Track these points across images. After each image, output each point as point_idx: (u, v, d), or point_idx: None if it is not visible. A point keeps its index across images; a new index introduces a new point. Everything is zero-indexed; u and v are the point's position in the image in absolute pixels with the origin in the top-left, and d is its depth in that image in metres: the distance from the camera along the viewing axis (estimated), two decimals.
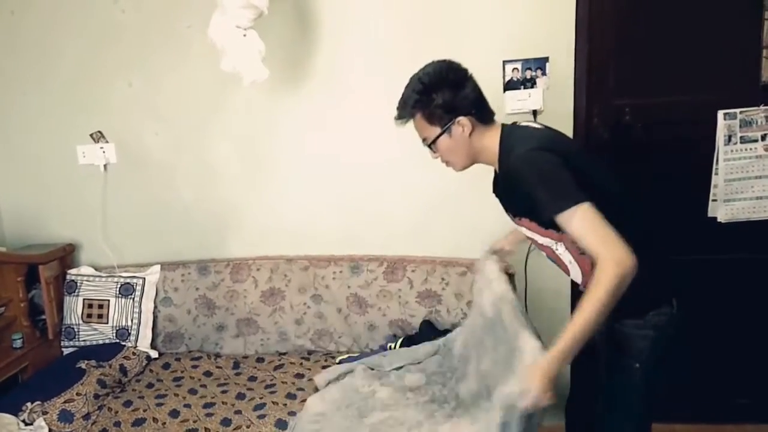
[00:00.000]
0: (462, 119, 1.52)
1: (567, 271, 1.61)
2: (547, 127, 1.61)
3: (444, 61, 1.57)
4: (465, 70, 1.56)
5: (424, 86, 1.53)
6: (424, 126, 1.57)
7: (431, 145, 1.59)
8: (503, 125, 1.59)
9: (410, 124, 1.61)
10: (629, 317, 1.50)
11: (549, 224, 1.48)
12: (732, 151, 2.22)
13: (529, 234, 1.62)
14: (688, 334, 2.31)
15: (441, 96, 1.52)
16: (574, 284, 1.71)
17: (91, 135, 2.64)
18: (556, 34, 2.29)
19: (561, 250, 1.55)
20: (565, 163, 1.39)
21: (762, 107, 2.17)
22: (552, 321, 1.97)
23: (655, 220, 2.03)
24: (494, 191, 1.72)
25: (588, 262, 1.45)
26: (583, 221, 1.34)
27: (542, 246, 1.61)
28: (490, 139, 1.57)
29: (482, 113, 1.56)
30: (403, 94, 1.58)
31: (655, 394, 1.56)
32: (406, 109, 1.57)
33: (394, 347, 2.29)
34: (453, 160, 1.62)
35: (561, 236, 1.50)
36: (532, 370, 1.32)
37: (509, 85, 2.34)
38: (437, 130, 1.55)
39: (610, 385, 1.60)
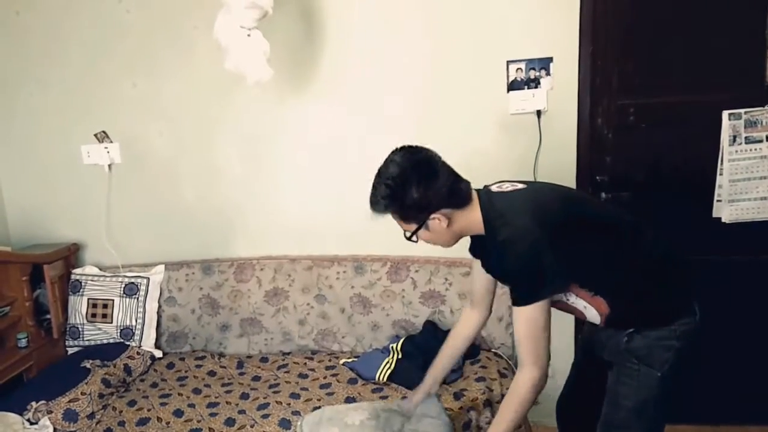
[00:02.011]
0: (436, 215, 1.46)
1: (583, 317, 1.58)
2: (526, 189, 1.54)
3: (406, 151, 1.51)
4: (433, 161, 1.49)
5: (391, 190, 1.45)
6: (401, 222, 1.52)
7: (411, 238, 1.54)
8: (479, 195, 1.53)
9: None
10: (653, 329, 1.49)
11: None
12: (737, 151, 2.21)
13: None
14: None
15: (411, 195, 1.44)
16: None
17: (96, 135, 2.65)
18: (560, 34, 2.29)
19: (573, 299, 1.53)
20: (555, 247, 1.37)
21: (767, 108, 2.17)
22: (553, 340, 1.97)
23: (666, 227, 2.03)
24: (472, 252, 1.70)
25: (602, 302, 1.48)
26: (526, 315, 1.40)
27: (554, 303, 1.53)
28: (472, 216, 1.50)
29: (457, 200, 1.48)
30: (372, 193, 1.50)
31: (670, 401, 1.55)
32: (378, 208, 1.49)
33: (396, 347, 2.30)
34: (438, 243, 1.56)
35: (570, 288, 1.50)
36: None
37: (513, 86, 2.34)
38: (414, 225, 1.49)
39: (623, 393, 1.56)
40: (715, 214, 2.28)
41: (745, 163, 2.21)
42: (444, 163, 1.50)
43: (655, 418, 1.56)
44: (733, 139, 2.21)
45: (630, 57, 2.28)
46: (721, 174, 2.24)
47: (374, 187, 1.50)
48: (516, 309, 1.42)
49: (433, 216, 1.46)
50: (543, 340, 1.42)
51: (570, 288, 1.49)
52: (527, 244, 1.38)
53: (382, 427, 1.74)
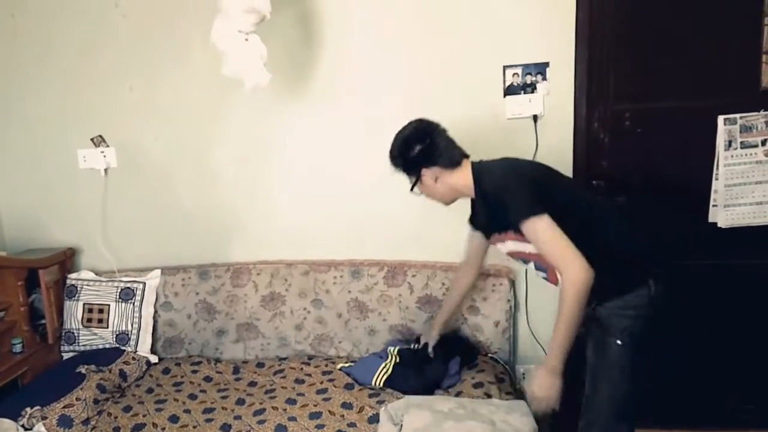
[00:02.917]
0: (425, 171, 1.84)
1: (555, 279, 1.73)
2: (509, 158, 1.88)
3: (416, 121, 1.91)
4: (431, 126, 1.88)
5: (398, 149, 1.88)
6: (406, 176, 1.91)
7: (413, 190, 1.91)
8: (473, 163, 1.86)
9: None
10: (610, 300, 1.69)
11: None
12: (732, 156, 2.22)
13: (518, 247, 1.79)
14: (689, 337, 2.34)
15: (411, 153, 1.85)
16: None
17: (92, 139, 2.65)
18: (556, 39, 2.30)
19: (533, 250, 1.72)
20: (528, 183, 1.67)
21: (762, 112, 2.18)
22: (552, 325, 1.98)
23: (662, 232, 2.07)
24: (471, 222, 2.05)
25: None
26: (543, 233, 1.60)
27: (531, 255, 1.77)
28: (462, 177, 1.84)
29: (446, 161, 1.84)
30: (390, 151, 1.91)
31: (638, 373, 1.69)
32: (392, 163, 1.92)
33: (393, 352, 2.29)
34: (435, 198, 1.93)
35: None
36: (536, 375, 1.69)
37: (509, 90, 2.35)
38: (412, 179, 1.89)
39: (595, 364, 1.75)
40: (710, 219, 2.28)
41: (741, 168, 2.22)
42: (443, 133, 1.87)
43: (624, 390, 1.71)
44: (729, 144, 2.22)
45: (626, 62, 2.29)
46: (716, 179, 2.25)
47: (390, 146, 1.91)
48: (528, 230, 1.61)
49: (423, 171, 1.84)
50: (564, 242, 1.57)
51: None
52: (512, 176, 1.72)
53: (470, 416, 1.82)
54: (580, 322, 1.60)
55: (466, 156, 1.88)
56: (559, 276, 1.64)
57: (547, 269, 1.79)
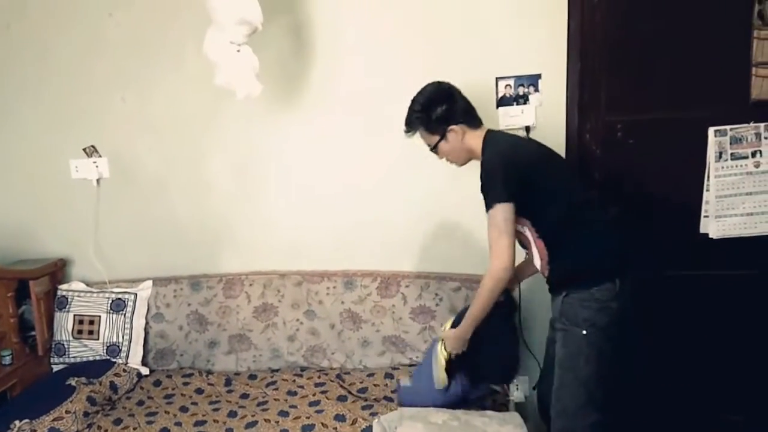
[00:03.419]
0: (454, 127, 1.89)
1: (533, 258, 1.89)
2: (519, 136, 2.02)
3: (435, 82, 1.96)
4: (453, 88, 1.94)
5: (422, 106, 1.92)
6: (426, 136, 1.96)
7: (434, 149, 1.95)
8: (488, 130, 1.93)
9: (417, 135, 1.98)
10: (576, 291, 1.78)
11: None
12: (723, 167, 2.24)
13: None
14: (677, 347, 2.35)
15: (435, 112, 1.90)
16: None
17: (84, 149, 2.64)
18: (548, 51, 2.31)
19: (526, 232, 1.86)
20: (513, 169, 1.76)
21: (752, 124, 2.19)
22: (544, 335, 1.98)
23: (654, 243, 2.09)
24: None
25: (542, 246, 1.83)
26: (495, 219, 1.73)
27: (517, 232, 1.85)
28: (477, 141, 1.90)
29: (470, 120, 1.92)
30: (407, 113, 1.96)
31: (605, 361, 1.76)
32: (411, 125, 1.96)
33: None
34: (453, 158, 1.97)
35: (522, 220, 1.82)
36: (448, 336, 1.99)
37: (502, 102, 2.36)
38: (436, 137, 1.92)
39: (561, 355, 1.83)
40: (702, 230, 2.29)
41: (731, 179, 2.24)
42: (462, 94, 1.93)
43: (590, 379, 1.76)
44: (719, 156, 2.23)
45: (617, 74, 2.31)
46: (707, 190, 2.26)
47: (409, 109, 1.96)
48: (489, 214, 1.75)
49: (451, 128, 1.88)
50: (506, 236, 1.73)
51: (524, 222, 1.82)
52: (498, 158, 1.80)
53: (464, 428, 1.83)
54: (491, 305, 1.83)
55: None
56: (537, 251, 1.84)
57: (527, 247, 1.92)
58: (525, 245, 1.93)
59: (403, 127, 1.98)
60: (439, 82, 1.96)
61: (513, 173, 1.76)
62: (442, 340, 2.02)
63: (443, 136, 1.91)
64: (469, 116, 1.92)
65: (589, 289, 1.76)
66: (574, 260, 1.79)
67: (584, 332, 1.75)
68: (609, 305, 1.74)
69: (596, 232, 1.82)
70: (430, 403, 2.00)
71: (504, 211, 1.73)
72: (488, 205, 1.75)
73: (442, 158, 2.00)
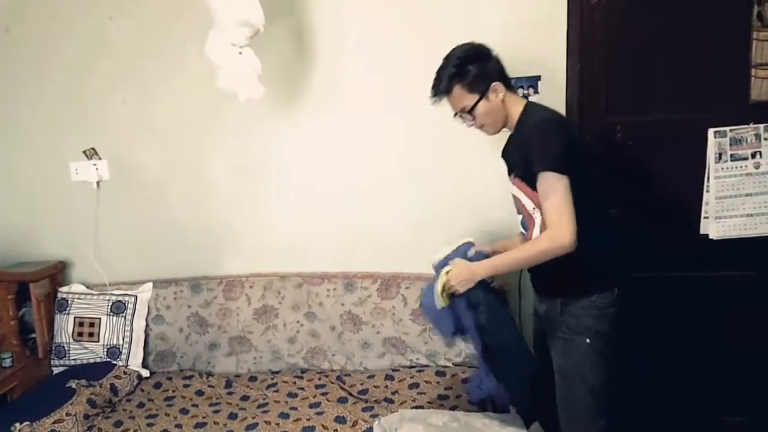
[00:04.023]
0: (496, 84, 1.74)
1: (530, 238, 1.78)
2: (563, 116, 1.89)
3: (469, 42, 1.81)
4: (486, 48, 1.79)
5: (456, 67, 1.75)
6: (463, 95, 1.77)
7: (471, 111, 1.78)
8: (528, 101, 1.82)
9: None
10: (576, 299, 1.73)
11: (535, 187, 1.67)
12: (723, 168, 2.24)
13: (518, 194, 1.80)
14: (678, 348, 2.35)
15: (475, 67, 1.74)
16: None
17: (84, 152, 2.64)
18: (547, 52, 2.32)
19: (537, 215, 1.73)
20: (566, 142, 1.63)
21: (751, 125, 2.20)
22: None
23: (654, 244, 2.09)
24: (503, 154, 1.95)
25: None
26: (556, 189, 1.60)
27: (523, 209, 1.79)
28: (515, 107, 1.78)
29: (508, 81, 1.80)
30: (439, 73, 1.79)
31: (608, 368, 1.73)
32: (443, 84, 1.77)
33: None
34: (489, 122, 1.80)
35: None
36: (461, 262, 1.79)
37: None
38: (475, 97, 1.75)
39: (563, 364, 1.78)
40: (702, 231, 2.30)
41: (731, 180, 2.24)
42: (499, 57, 1.79)
43: (598, 385, 1.73)
44: (719, 157, 2.23)
45: (617, 76, 2.31)
46: (707, 191, 2.26)
47: (439, 71, 1.79)
48: (542, 180, 1.62)
49: (493, 85, 1.74)
50: (570, 208, 1.60)
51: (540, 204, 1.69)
52: (556, 126, 1.67)
53: (464, 430, 1.82)
54: (530, 265, 1.74)
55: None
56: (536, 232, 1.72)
57: (527, 228, 1.80)
58: (527, 226, 1.80)
59: (430, 92, 1.82)
60: (467, 43, 1.81)
61: (568, 142, 1.63)
62: (447, 271, 1.79)
63: (483, 95, 1.75)
64: (506, 77, 1.80)
65: (590, 296, 1.72)
66: (577, 260, 1.64)
67: (588, 341, 1.72)
68: (608, 311, 1.72)
69: (601, 234, 1.75)
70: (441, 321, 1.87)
71: (563, 181, 1.60)
72: (542, 172, 1.61)
73: (472, 125, 1.83)
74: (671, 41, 2.26)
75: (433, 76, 1.80)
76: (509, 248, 1.98)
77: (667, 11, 2.24)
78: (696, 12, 2.21)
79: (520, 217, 1.84)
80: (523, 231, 1.85)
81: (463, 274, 1.74)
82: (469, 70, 1.74)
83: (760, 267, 2.31)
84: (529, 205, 1.75)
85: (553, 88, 2.33)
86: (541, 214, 1.67)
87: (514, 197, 1.84)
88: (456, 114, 1.85)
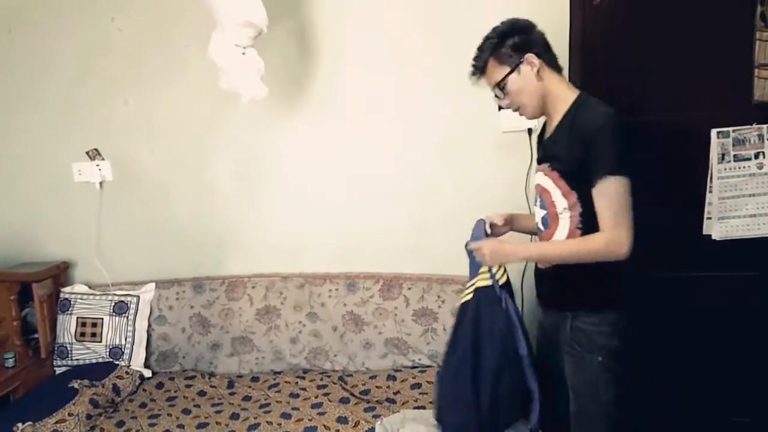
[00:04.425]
0: (530, 56, 1.60)
1: (548, 236, 1.70)
2: None
3: (509, 20, 1.70)
4: (530, 23, 1.68)
5: (497, 35, 1.65)
6: (495, 69, 1.66)
7: (502, 87, 1.66)
8: (582, 91, 1.68)
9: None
10: (587, 315, 1.66)
11: (575, 186, 1.60)
12: (726, 169, 2.23)
13: (549, 186, 1.68)
14: (681, 349, 2.34)
15: (512, 39, 1.63)
16: None
17: (87, 152, 2.64)
18: None
19: (566, 216, 1.64)
20: (624, 144, 1.55)
21: (755, 126, 2.19)
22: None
23: (657, 244, 2.09)
24: (539, 140, 1.84)
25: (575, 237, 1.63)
26: (619, 195, 1.52)
27: (551, 205, 1.67)
28: (562, 89, 1.66)
29: (550, 57, 1.66)
30: (475, 56, 1.70)
31: (624, 390, 1.68)
32: (480, 58, 1.67)
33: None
34: (523, 101, 1.67)
35: (575, 204, 1.61)
36: (496, 242, 1.74)
37: None
38: (506, 69, 1.63)
39: (576, 381, 1.72)
40: (705, 232, 2.29)
41: (734, 181, 2.23)
42: (543, 33, 1.68)
43: (611, 402, 1.68)
44: (722, 157, 2.23)
45: (619, 76, 2.30)
46: (710, 191, 2.26)
47: (478, 48, 1.70)
48: (604, 185, 1.53)
49: (527, 56, 1.60)
50: (630, 214, 1.53)
51: (575, 203, 1.61)
52: (618, 127, 1.55)
53: None
54: (575, 261, 1.61)
55: None
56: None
57: (548, 226, 1.70)
58: (547, 224, 1.70)
59: (470, 69, 1.71)
60: (510, 19, 1.70)
61: (628, 145, 1.54)
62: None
63: (515, 68, 1.62)
64: (551, 54, 1.66)
65: (601, 313, 1.65)
66: (597, 274, 1.60)
67: (600, 359, 1.65)
68: (619, 327, 1.66)
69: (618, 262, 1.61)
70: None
71: (626, 184, 1.53)
72: (605, 177, 1.52)
73: (508, 105, 1.72)
74: (674, 41, 2.25)
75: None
76: (522, 222, 1.97)
77: (670, 11, 2.23)
78: (699, 12, 2.20)
79: (542, 213, 1.73)
80: (541, 227, 1.76)
81: (500, 255, 1.70)
82: (505, 43, 1.64)
83: (762, 268, 2.30)
84: (560, 204, 1.65)
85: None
86: (580, 216, 1.60)
87: (542, 189, 1.71)
88: (493, 94, 1.73)
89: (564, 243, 1.64)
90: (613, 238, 1.52)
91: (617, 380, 1.67)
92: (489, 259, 1.70)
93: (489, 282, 1.77)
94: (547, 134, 1.74)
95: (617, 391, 1.68)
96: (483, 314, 1.78)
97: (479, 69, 1.70)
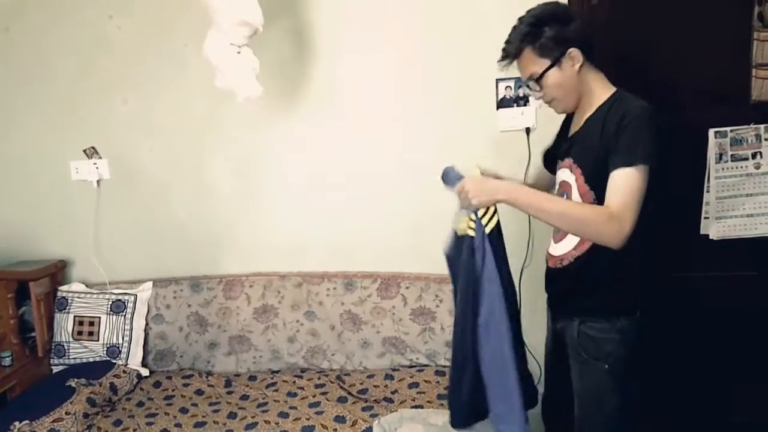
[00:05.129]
0: (573, 51, 1.51)
1: (562, 236, 1.64)
2: None
3: (545, 4, 1.58)
4: (568, 10, 1.58)
5: (535, 19, 1.52)
6: (533, 60, 1.54)
7: (539, 80, 1.56)
8: (619, 88, 1.60)
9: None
10: (597, 320, 1.60)
11: (595, 186, 1.51)
12: (723, 169, 2.24)
13: (570, 180, 1.60)
14: (680, 349, 2.35)
15: (551, 29, 1.51)
16: None
17: (85, 151, 2.64)
18: None
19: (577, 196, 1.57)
20: (658, 138, 1.46)
21: (752, 126, 2.19)
22: (543, 336, 1.97)
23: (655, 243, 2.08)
24: (562, 133, 1.77)
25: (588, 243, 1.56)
26: (635, 182, 1.41)
27: (571, 192, 1.59)
28: (598, 85, 1.58)
29: (590, 50, 1.55)
30: (510, 34, 1.57)
31: (630, 398, 1.63)
32: (513, 45, 1.55)
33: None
34: (559, 96, 1.58)
35: (593, 202, 1.52)
36: (478, 177, 1.59)
37: (502, 103, 2.36)
38: (546, 62, 1.53)
39: (582, 388, 1.67)
40: (702, 231, 2.29)
41: (732, 181, 2.24)
42: (584, 23, 1.57)
43: (618, 415, 1.63)
44: (720, 157, 2.23)
45: (617, 76, 2.29)
46: (708, 191, 2.26)
47: (511, 32, 1.56)
48: (620, 175, 1.42)
49: (570, 51, 1.50)
50: (637, 206, 1.42)
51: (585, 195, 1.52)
52: (655, 122, 1.46)
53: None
54: (573, 231, 1.53)
55: None
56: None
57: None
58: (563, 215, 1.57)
59: (500, 54, 1.59)
60: (546, 2, 1.58)
61: (658, 145, 1.45)
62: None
63: (557, 61, 1.52)
64: (592, 49, 1.55)
65: (609, 319, 1.59)
66: (611, 278, 1.54)
67: (606, 366, 1.59)
68: (629, 335, 1.59)
69: (637, 250, 1.52)
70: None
71: (645, 175, 1.42)
72: (622, 167, 1.42)
73: (540, 97, 1.62)
74: (672, 41, 2.25)
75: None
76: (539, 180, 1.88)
77: (668, 11, 2.23)
78: (697, 12, 2.21)
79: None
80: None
81: (481, 191, 1.53)
82: (543, 31, 1.51)
83: (759, 267, 2.31)
84: (577, 197, 1.57)
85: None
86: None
87: (567, 186, 1.63)
88: (524, 84, 1.63)
89: (563, 201, 1.55)
90: (617, 217, 1.40)
91: (623, 389, 1.62)
92: (473, 194, 1.52)
93: (472, 230, 1.58)
94: (575, 128, 1.66)
95: (623, 401, 1.63)
96: (456, 268, 1.65)
97: (512, 56, 1.57)
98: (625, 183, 1.42)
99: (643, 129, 1.45)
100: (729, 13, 2.18)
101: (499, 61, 1.60)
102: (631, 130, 1.44)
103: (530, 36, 1.52)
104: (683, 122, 2.26)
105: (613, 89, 1.58)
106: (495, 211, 1.57)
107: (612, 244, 1.43)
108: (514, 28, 1.57)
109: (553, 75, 1.54)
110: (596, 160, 1.50)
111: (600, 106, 1.56)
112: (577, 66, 1.53)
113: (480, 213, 1.56)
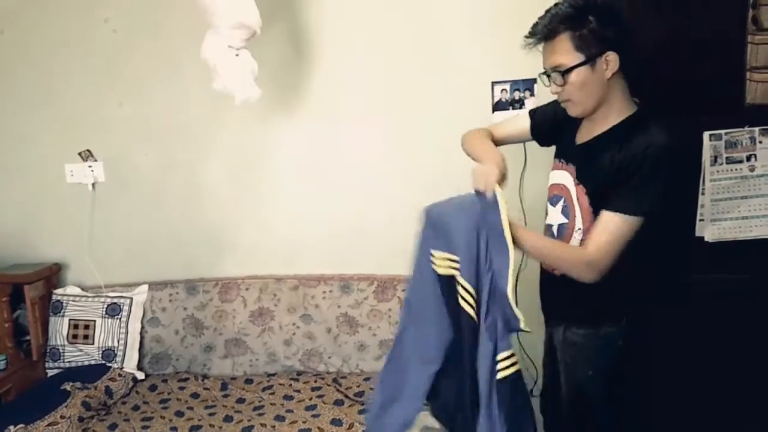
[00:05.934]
0: (612, 55, 1.37)
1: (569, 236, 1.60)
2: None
3: None
4: (619, 8, 1.44)
5: (574, 10, 1.36)
6: (566, 49, 1.38)
7: (564, 73, 1.40)
8: (640, 108, 1.51)
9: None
10: (582, 326, 1.60)
11: (596, 203, 1.47)
12: (718, 171, 2.24)
13: (568, 187, 1.56)
14: (675, 355, 2.35)
15: (597, 21, 1.35)
16: None
17: (80, 153, 2.63)
18: None
19: (577, 238, 1.55)
20: (665, 182, 1.43)
21: (747, 129, 2.20)
22: (541, 344, 1.97)
23: (650, 246, 2.09)
24: (566, 135, 1.65)
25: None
26: (626, 229, 1.40)
27: (569, 201, 1.56)
28: (621, 99, 1.46)
29: (629, 62, 1.41)
30: (548, 11, 1.40)
31: (619, 405, 1.64)
32: (550, 25, 1.39)
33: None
34: (578, 98, 1.44)
35: (590, 229, 1.48)
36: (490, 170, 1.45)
37: (498, 106, 2.36)
38: (580, 57, 1.38)
39: (569, 394, 1.67)
40: (697, 234, 2.30)
41: (727, 183, 2.24)
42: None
43: (603, 421, 1.63)
44: (714, 160, 2.24)
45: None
46: (703, 194, 2.27)
47: (549, 9, 1.41)
48: (612, 217, 1.39)
49: (608, 54, 1.37)
50: (615, 251, 1.40)
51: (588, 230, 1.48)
52: (667, 164, 1.40)
53: None
54: (539, 253, 1.50)
55: None
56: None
57: (563, 237, 1.58)
58: (564, 233, 1.58)
59: (528, 31, 1.45)
60: None
61: (664, 188, 1.42)
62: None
63: (591, 60, 1.37)
64: (630, 59, 1.41)
65: (595, 326, 1.58)
66: (600, 287, 1.46)
67: (590, 373, 1.60)
68: (615, 343, 1.58)
69: (631, 264, 1.51)
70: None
71: (635, 224, 1.40)
72: (618, 213, 1.40)
73: (557, 93, 1.48)
74: (667, 44, 2.26)
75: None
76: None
77: (663, 15, 2.24)
78: (691, 15, 2.22)
79: (561, 220, 1.60)
80: (554, 233, 1.64)
81: (484, 172, 1.45)
82: (588, 21, 1.35)
83: (754, 270, 2.31)
84: (577, 222, 1.54)
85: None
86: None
87: (562, 188, 1.58)
88: (544, 72, 1.47)
89: (547, 239, 1.57)
90: (594, 264, 1.40)
91: (610, 396, 1.61)
92: (478, 176, 1.46)
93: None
94: (582, 136, 1.57)
95: (610, 407, 1.63)
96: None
97: (543, 36, 1.41)
98: (617, 229, 1.40)
99: (658, 173, 1.39)
100: (724, 16, 2.19)
101: (525, 37, 1.45)
102: (647, 171, 1.38)
103: (572, 21, 1.36)
104: (678, 125, 2.26)
105: (633, 108, 1.49)
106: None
107: (584, 281, 1.45)
108: (555, 5, 1.40)
109: (582, 73, 1.39)
110: (603, 185, 1.45)
111: (616, 126, 1.47)
112: (610, 73, 1.40)
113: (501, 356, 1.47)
